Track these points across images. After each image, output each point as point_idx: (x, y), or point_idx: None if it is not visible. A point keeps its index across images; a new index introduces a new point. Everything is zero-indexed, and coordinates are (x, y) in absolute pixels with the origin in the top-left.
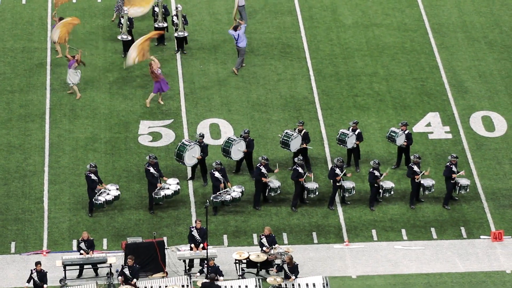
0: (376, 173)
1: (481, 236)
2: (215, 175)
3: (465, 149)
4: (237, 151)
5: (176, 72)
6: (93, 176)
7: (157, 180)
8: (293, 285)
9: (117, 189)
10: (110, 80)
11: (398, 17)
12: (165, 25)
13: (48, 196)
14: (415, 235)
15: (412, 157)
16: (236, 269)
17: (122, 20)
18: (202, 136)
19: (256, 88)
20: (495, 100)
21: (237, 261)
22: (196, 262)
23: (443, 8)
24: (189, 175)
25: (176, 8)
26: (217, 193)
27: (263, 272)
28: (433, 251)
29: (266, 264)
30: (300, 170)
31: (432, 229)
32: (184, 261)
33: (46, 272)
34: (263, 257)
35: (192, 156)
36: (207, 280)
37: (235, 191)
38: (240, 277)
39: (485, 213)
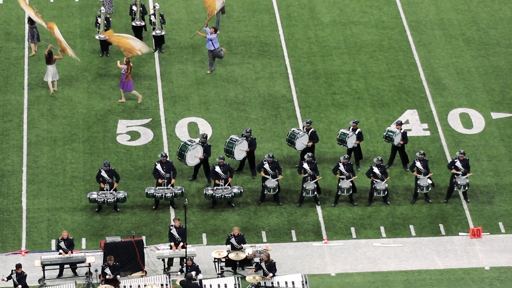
0: (375, 169)
1: (460, 233)
2: (215, 170)
3: (443, 146)
4: (240, 151)
5: (154, 71)
6: (102, 173)
7: (161, 177)
8: (272, 283)
9: (118, 198)
10: (88, 79)
11: (376, 15)
12: (143, 24)
13: (27, 196)
14: (393, 233)
15: (417, 154)
16: (216, 268)
17: (99, 20)
18: (206, 137)
19: (234, 86)
20: (473, 97)
21: (216, 260)
22: (176, 260)
23: (420, 6)
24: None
25: (154, 7)
26: (215, 187)
27: (240, 269)
28: (412, 248)
29: (245, 263)
30: (305, 165)
31: (411, 226)
32: (163, 260)
33: (26, 275)
34: (242, 256)
35: (194, 156)
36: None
37: (229, 190)
38: (219, 275)
39: (464, 210)
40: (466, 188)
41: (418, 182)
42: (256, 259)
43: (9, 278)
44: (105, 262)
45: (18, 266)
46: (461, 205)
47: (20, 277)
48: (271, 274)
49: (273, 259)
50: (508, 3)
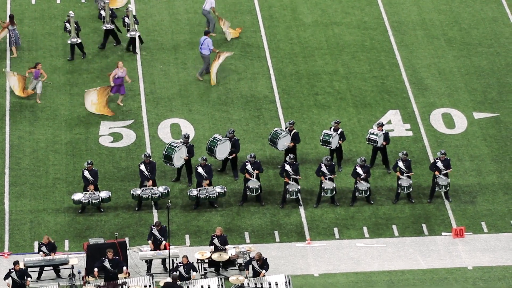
0: (358, 169)
1: (443, 233)
2: (198, 171)
3: (425, 146)
4: (222, 151)
5: (137, 72)
6: (85, 173)
7: (146, 179)
8: (255, 284)
9: (102, 198)
10: (70, 82)
11: (358, 16)
12: (112, 27)
13: (9, 198)
14: (376, 233)
15: (400, 154)
16: (199, 269)
17: (68, 25)
18: (188, 137)
19: (216, 87)
20: (455, 97)
21: (199, 261)
22: (157, 262)
23: (402, 6)
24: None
25: (127, 8)
26: (198, 188)
27: (223, 270)
28: (395, 248)
29: (228, 264)
30: (287, 167)
31: (394, 227)
32: (146, 261)
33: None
34: (225, 257)
35: (180, 157)
36: (169, 280)
37: (213, 190)
38: (203, 276)
39: (446, 210)
40: (448, 188)
41: (399, 182)
42: (240, 260)
43: (6, 277)
44: (104, 257)
45: (16, 263)
46: (443, 205)
47: (20, 273)
48: (264, 272)
49: (265, 256)
50: (489, 3)
